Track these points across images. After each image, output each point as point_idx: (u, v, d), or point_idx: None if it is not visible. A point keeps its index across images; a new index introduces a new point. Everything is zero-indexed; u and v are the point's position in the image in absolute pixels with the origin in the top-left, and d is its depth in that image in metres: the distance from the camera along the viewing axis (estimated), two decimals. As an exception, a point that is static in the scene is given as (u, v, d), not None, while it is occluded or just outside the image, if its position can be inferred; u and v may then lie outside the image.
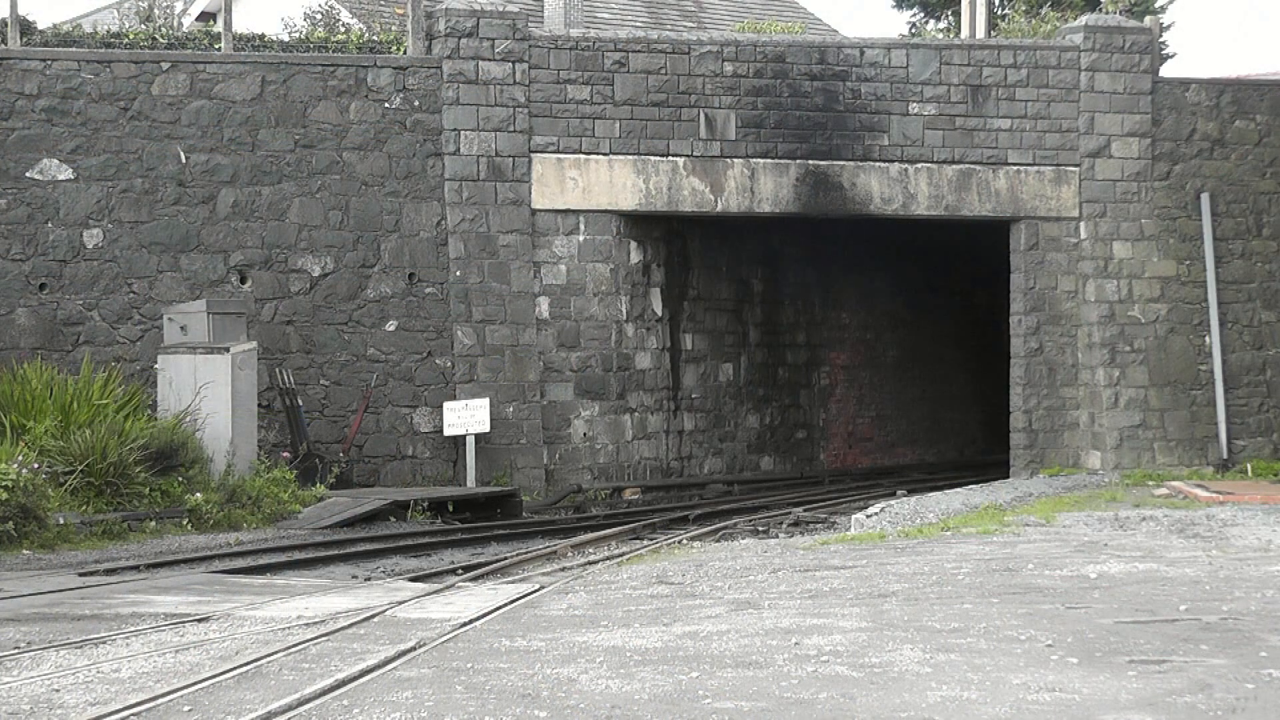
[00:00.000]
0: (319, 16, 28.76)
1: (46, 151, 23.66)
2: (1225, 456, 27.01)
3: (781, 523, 22.78)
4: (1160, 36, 31.31)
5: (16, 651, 11.31)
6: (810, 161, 26.45)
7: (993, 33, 32.66)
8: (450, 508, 22.99)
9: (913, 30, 44.68)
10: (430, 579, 16.75)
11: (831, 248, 31.32)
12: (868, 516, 20.74)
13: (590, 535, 20.81)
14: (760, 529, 22.11)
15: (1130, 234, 27.18)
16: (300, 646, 11.16)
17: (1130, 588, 13.22)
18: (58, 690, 9.84)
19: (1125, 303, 27.08)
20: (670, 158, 25.94)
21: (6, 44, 24.09)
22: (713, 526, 22.34)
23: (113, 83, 23.91)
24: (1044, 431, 27.09)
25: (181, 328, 22.42)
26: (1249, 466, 26.73)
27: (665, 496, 27.06)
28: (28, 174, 23.59)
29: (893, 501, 23.11)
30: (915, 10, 45.08)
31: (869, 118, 26.65)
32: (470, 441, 24.36)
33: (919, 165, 26.78)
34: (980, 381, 33.92)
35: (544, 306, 25.58)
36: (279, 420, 24.02)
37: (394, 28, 28.90)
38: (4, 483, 18.09)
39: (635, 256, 26.59)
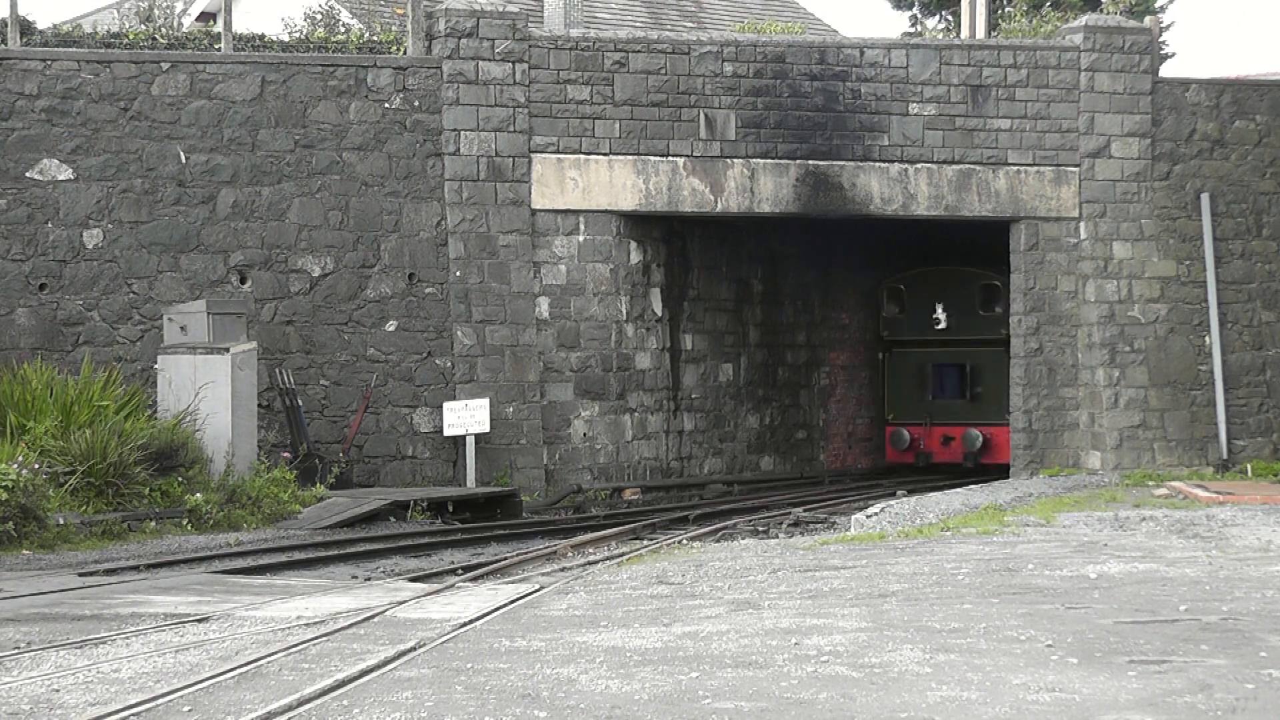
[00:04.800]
0: (319, 17, 28.76)
1: (46, 151, 23.66)
2: (1225, 457, 27.01)
3: (781, 523, 22.78)
4: (1160, 36, 31.32)
5: (16, 651, 11.31)
6: (810, 162, 26.45)
7: (993, 33, 32.66)
8: (450, 508, 22.99)
9: (914, 28, 44.65)
10: (430, 579, 16.75)
11: (831, 248, 31.32)
12: (868, 517, 20.74)
13: (590, 535, 20.82)
14: (760, 529, 22.11)
15: (1130, 234, 27.18)
16: (300, 647, 11.16)
17: (1130, 588, 13.22)
18: (58, 690, 9.84)
19: (1125, 303, 27.09)
20: (670, 158, 25.94)
21: (6, 44, 24.08)
22: (713, 526, 22.34)
23: (113, 83, 23.91)
24: (1044, 431, 27.09)
25: (181, 328, 22.42)
26: (1249, 467, 26.74)
27: (665, 496, 27.06)
28: (28, 174, 23.59)
29: (893, 502, 23.12)
30: (914, 9, 45.06)
31: (869, 118, 26.65)
32: (470, 441, 24.36)
33: (919, 165, 26.78)
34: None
35: (544, 306, 25.58)
36: (279, 420, 24.02)
37: (394, 28, 28.90)
38: (4, 483, 18.09)
39: (635, 257, 26.59)
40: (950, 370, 30.93)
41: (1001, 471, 28.30)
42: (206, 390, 21.77)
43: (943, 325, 30.87)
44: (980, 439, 29.86)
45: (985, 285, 30.58)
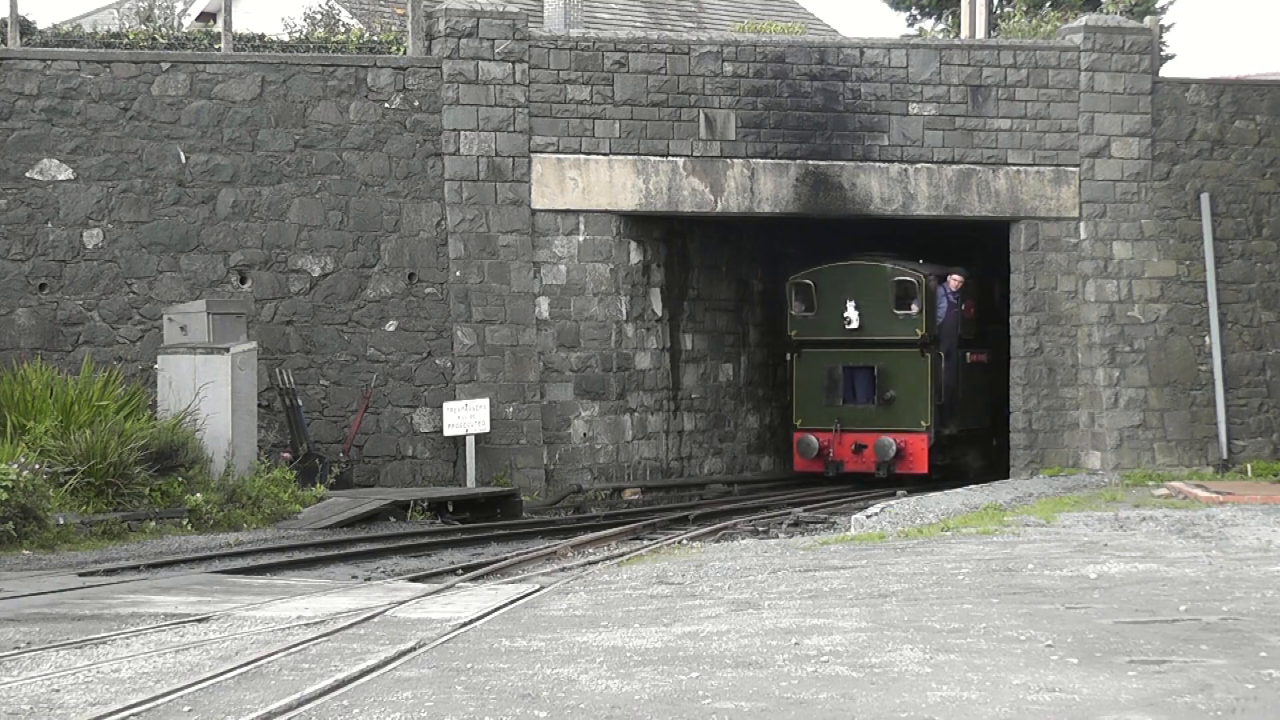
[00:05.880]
0: (319, 17, 28.78)
1: (46, 151, 23.66)
2: (1225, 457, 27.00)
3: (781, 523, 22.78)
4: (1160, 37, 31.31)
5: (16, 651, 11.32)
6: (810, 162, 26.45)
7: (993, 33, 32.66)
8: (450, 508, 22.99)
9: (911, 28, 44.65)
10: (430, 579, 16.75)
11: (831, 248, 31.27)
12: (868, 517, 20.75)
13: (590, 535, 20.81)
14: (760, 529, 22.11)
15: (1130, 234, 27.18)
16: (300, 647, 11.16)
17: (1130, 588, 13.23)
18: (58, 690, 9.85)
19: (1125, 303, 27.09)
20: (670, 158, 25.94)
21: (6, 44, 24.09)
22: (713, 526, 22.34)
23: (113, 83, 23.91)
24: (1044, 431, 27.09)
25: (181, 328, 22.42)
26: (1249, 467, 26.73)
27: (665, 496, 27.05)
28: (28, 174, 23.59)
29: (893, 502, 23.13)
30: (911, 10, 45.06)
31: (869, 118, 26.65)
32: (470, 441, 24.36)
33: (919, 165, 26.78)
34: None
35: (544, 306, 25.58)
36: (279, 420, 24.02)
37: (394, 28, 28.91)
38: (4, 483, 18.09)
39: (635, 256, 26.59)
40: (862, 373, 28.80)
41: (916, 482, 27.50)
42: (206, 390, 21.77)
43: (854, 325, 28.63)
44: (894, 447, 27.82)
45: (899, 282, 28.58)
